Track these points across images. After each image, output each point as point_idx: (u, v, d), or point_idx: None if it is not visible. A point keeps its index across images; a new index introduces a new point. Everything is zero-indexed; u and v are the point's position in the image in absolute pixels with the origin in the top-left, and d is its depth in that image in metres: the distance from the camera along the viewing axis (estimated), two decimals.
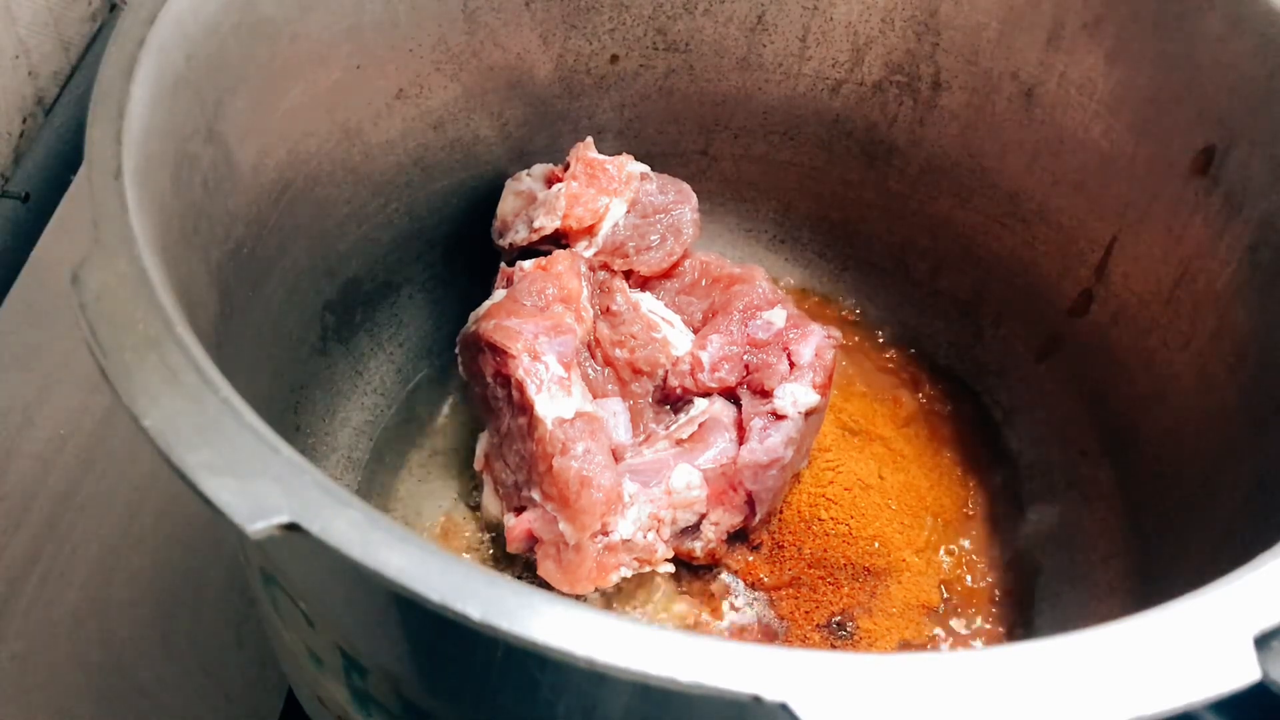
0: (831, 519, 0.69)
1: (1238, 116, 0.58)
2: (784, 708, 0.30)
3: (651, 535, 0.62)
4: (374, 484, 0.71)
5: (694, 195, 0.71)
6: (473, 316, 0.67)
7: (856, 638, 0.66)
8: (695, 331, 0.69)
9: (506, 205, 0.72)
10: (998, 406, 0.77)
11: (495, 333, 0.63)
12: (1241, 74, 0.57)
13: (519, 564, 0.67)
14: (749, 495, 0.65)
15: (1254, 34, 0.56)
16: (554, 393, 0.62)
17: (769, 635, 0.66)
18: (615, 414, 0.67)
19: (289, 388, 0.67)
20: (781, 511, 0.69)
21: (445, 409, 0.75)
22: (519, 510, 0.63)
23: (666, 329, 0.69)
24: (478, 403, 0.68)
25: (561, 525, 0.60)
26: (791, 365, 0.66)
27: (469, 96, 0.70)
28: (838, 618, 0.66)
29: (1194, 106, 0.60)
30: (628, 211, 0.70)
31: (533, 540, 0.63)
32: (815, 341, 0.67)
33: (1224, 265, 0.59)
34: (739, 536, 0.68)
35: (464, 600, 0.32)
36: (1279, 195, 0.56)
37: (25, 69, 0.93)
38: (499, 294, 0.67)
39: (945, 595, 0.69)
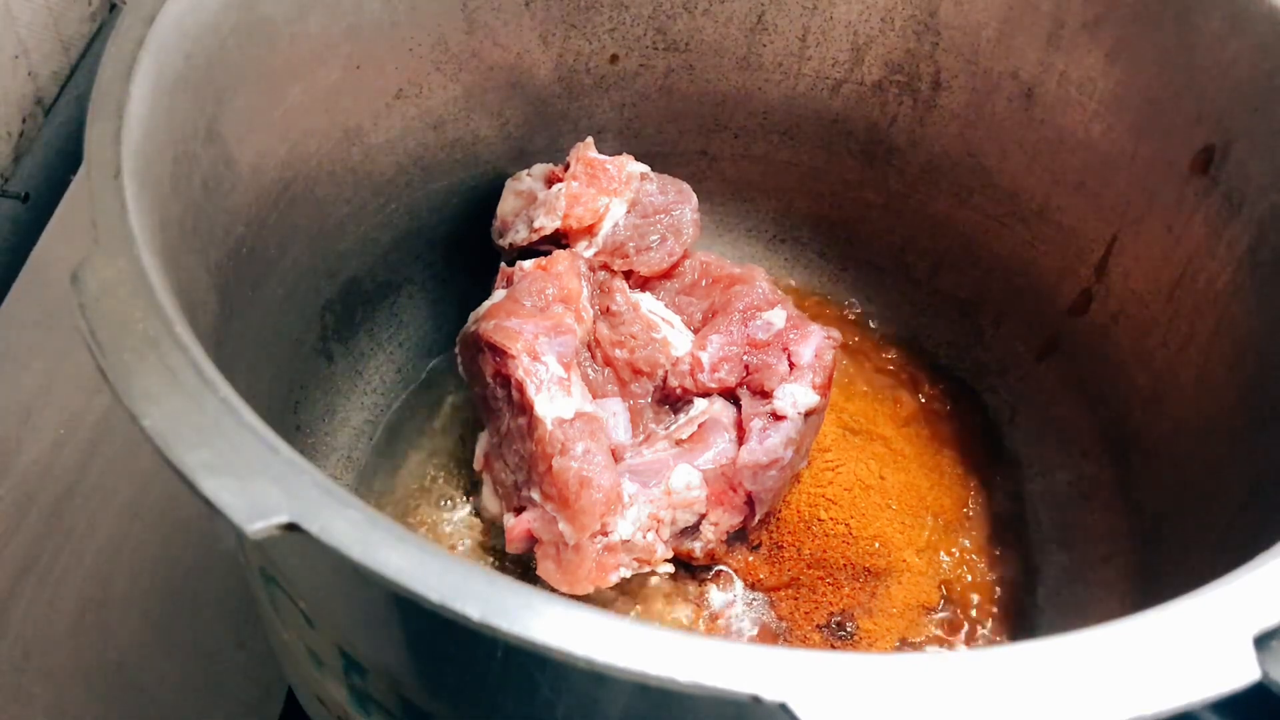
0: (831, 519, 0.69)
1: (1238, 116, 0.58)
2: (783, 708, 0.30)
3: (651, 535, 0.62)
4: (374, 484, 0.71)
5: (694, 195, 0.71)
6: (473, 316, 0.67)
7: (856, 638, 0.66)
8: (695, 331, 0.69)
9: (506, 205, 0.72)
10: (998, 406, 0.77)
11: (495, 333, 0.63)
12: (1241, 74, 0.57)
13: (519, 564, 0.67)
14: (749, 495, 0.65)
15: (1254, 34, 0.56)
16: (554, 393, 0.62)
17: (769, 635, 0.66)
18: (615, 414, 0.67)
19: (289, 388, 0.67)
20: (781, 511, 0.69)
21: (445, 409, 0.75)
22: (518, 510, 0.63)
23: (666, 329, 0.69)
24: (478, 403, 0.68)
25: (561, 525, 0.60)
26: (791, 366, 0.66)
27: (469, 96, 0.70)
28: (838, 618, 0.66)
29: (1194, 106, 0.60)
30: (628, 211, 0.70)
31: (532, 540, 0.63)
32: (815, 342, 0.67)
33: (1224, 265, 0.59)
34: (738, 536, 0.68)
35: (464, 600, 0.32)
36: (1279, 195, 0.56)
37: (25, 69, 0.93)
38: (499, 294, 0.67)
39: (945, 595, 0.68)
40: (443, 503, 0.70)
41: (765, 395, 0.66)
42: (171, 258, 0.43)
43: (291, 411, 0.67)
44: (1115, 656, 0.33)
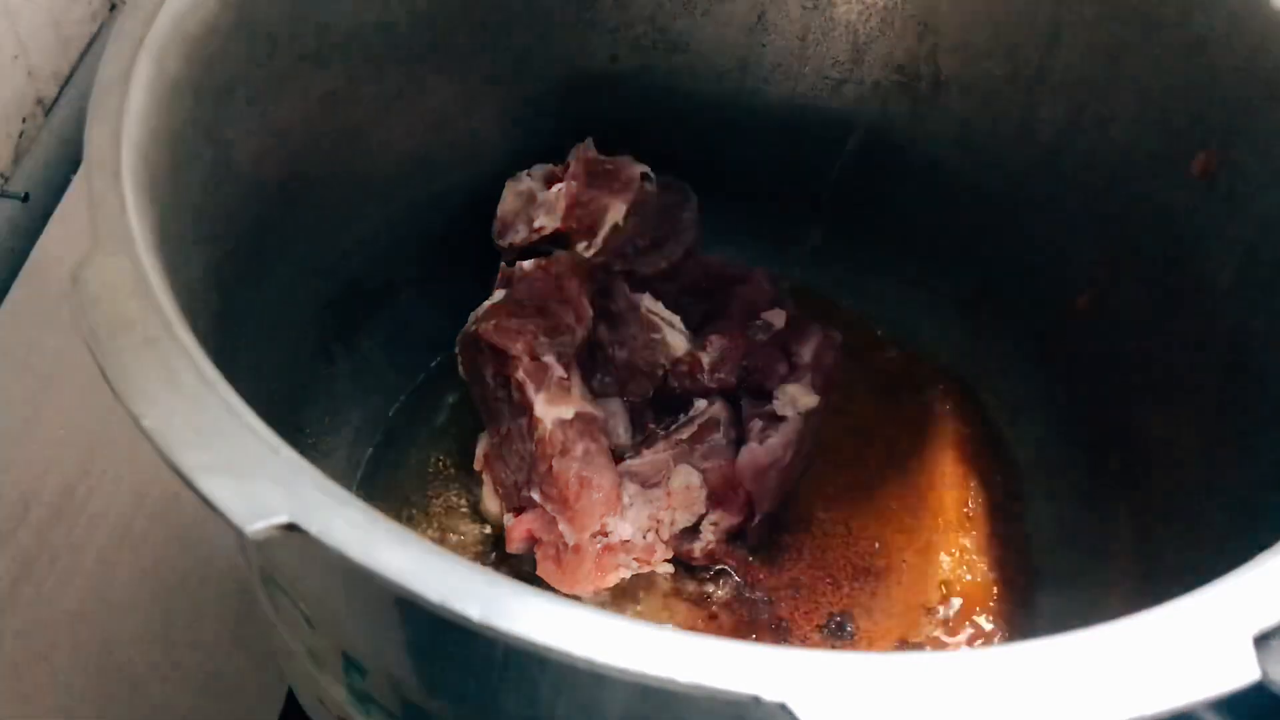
0: (831, 519, 0.69)
1: (1238, 116, 0.58)
2: (783, 708, 0.30)
3: (651, 536, 0.62)
4: (374, 484, 0.71)
5: (694, 195, 0.71)
6: (473, 316, 0.67)
7: (856, 638, 0.66)
8: (695, 331, 0.69)
9: (506, 205, 0.72)
10: (998, 406, 0.77)
11: (495, 333, 0.63)
12: (1241, 74, 0.57)
13: (519, 564, 0.67)
14: (748, 496, 0.65)
15: (1254, 34, 0.56)
16: (554, 393, 0.62)
17: (769, 636, 0.66)
18: (615, 414, 0.67)
19: (289, 388, 0.67)
20: (781, 512, 0.69)
21: (445, 409, 0.75)
22: (519, 510, 0.63)
23: (666, 329, 0.69)
24: (478, 403, 0.68)
25: (561, 526, 0.60)
26: (791, 366, 0.66)
27: (469, 96, 0.70)
28: (838, 618, 0.66)
29: (1194, 106, 0.60)
30: (628, 212, 0.70)
31: (533, 540, 0.63)
32: (815, 342, 0.67)
33: (1224, 265, 0.59)
34: (738, 537, 0.68)
35: (464, 600, 0.31)
36: (1279, 195, 0.56)
37: (25, 69, 0.93)
38: (499, 294, 0.67)
39: (945, 595, 0.68)
40: (443, 503, 0.70)
41: (765, 395, 0.66)
42: (171, 258, 0.43)
43: (292, 411, 0.67)
44: (1115, 656, 0.33)
